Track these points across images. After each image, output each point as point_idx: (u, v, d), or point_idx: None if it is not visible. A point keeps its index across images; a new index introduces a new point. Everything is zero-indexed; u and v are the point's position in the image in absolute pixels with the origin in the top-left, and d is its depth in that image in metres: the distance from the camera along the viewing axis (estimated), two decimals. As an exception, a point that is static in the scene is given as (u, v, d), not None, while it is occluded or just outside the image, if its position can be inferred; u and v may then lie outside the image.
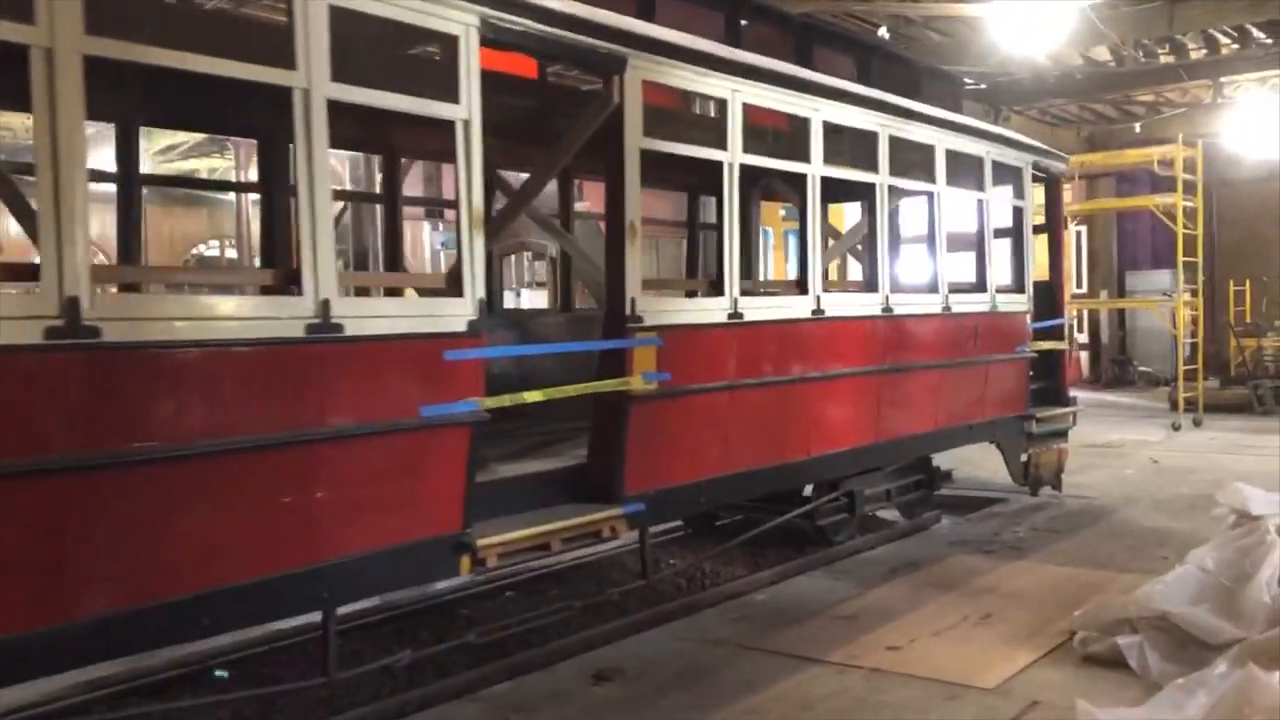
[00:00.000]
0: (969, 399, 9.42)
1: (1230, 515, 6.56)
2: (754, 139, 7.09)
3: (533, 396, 5.45)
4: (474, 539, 5.12)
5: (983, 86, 19.35)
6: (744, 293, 6.92)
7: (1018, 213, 10.42)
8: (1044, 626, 6.69)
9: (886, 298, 8.18)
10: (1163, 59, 19.69)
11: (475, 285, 5.07)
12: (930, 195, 8.86)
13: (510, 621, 6.29)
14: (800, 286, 7.46)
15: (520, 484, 5.78)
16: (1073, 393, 11.75)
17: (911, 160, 8.84)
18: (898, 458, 8.98)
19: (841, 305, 7.82)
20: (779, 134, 7.59)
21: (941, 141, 8.81)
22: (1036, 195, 11.14)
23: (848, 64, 9.08)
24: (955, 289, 9.24)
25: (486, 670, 6.13)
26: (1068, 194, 25.15)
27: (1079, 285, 27.31)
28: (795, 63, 7.89)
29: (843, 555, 8.89)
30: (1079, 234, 27.37)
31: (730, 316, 6.69)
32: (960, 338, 9.15)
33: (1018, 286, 10.41)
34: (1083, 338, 27.21)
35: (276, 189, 6.77)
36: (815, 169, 7.39)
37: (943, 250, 8.95)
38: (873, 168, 8.09)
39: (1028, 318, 10.35)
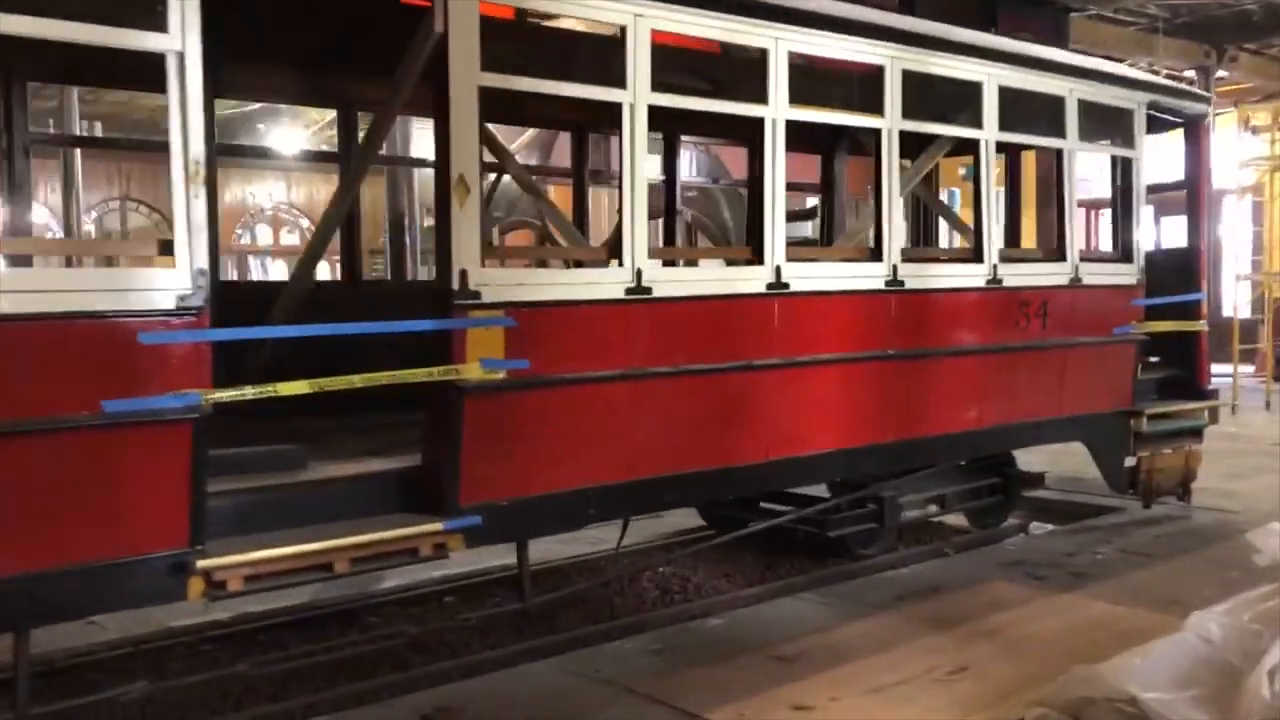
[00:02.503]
0: (1036, 390, 7.77)
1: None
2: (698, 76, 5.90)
3: (292, 388, 4.52)
4: (196, 560, 4.26)
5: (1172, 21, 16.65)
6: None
7: (1125, 165, 8.56)
8: (1021, 690, 5.20)
9: (894, 269, 6.72)
10: None
11: (193, 252, 4.19)
12: (977, 144, 7.27)
13: (333, 645, 5.46)
14: (755, 255, 6.16)
15: (316, 490, 4.87)
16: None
17: (951, 101, 7.30)
18: (924, 461, 7.48)
19: (819, 278, 6.43)
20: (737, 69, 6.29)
21: (992, 76, 7.19)
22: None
23: (888, -9, 7.58)
24: (1010, 258, 7.62)
25: (316, 698, 5.32)
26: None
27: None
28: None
29: (862, 572, 7.53)
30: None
31: (631, 291, 5.52)
32: (1017, 317, 7.52)
33: (1123, 254, 8.57)
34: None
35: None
36: (776, 111, 6.07)
37: (992, 211, 7.35)
38: (876, 110, 6.64)
39: (1137, 293, 8.50)
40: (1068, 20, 9.02)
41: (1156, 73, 18.76)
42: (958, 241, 10.97)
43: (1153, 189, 9.93)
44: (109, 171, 26.63)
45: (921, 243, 10.42)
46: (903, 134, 6.84)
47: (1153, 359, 9.40)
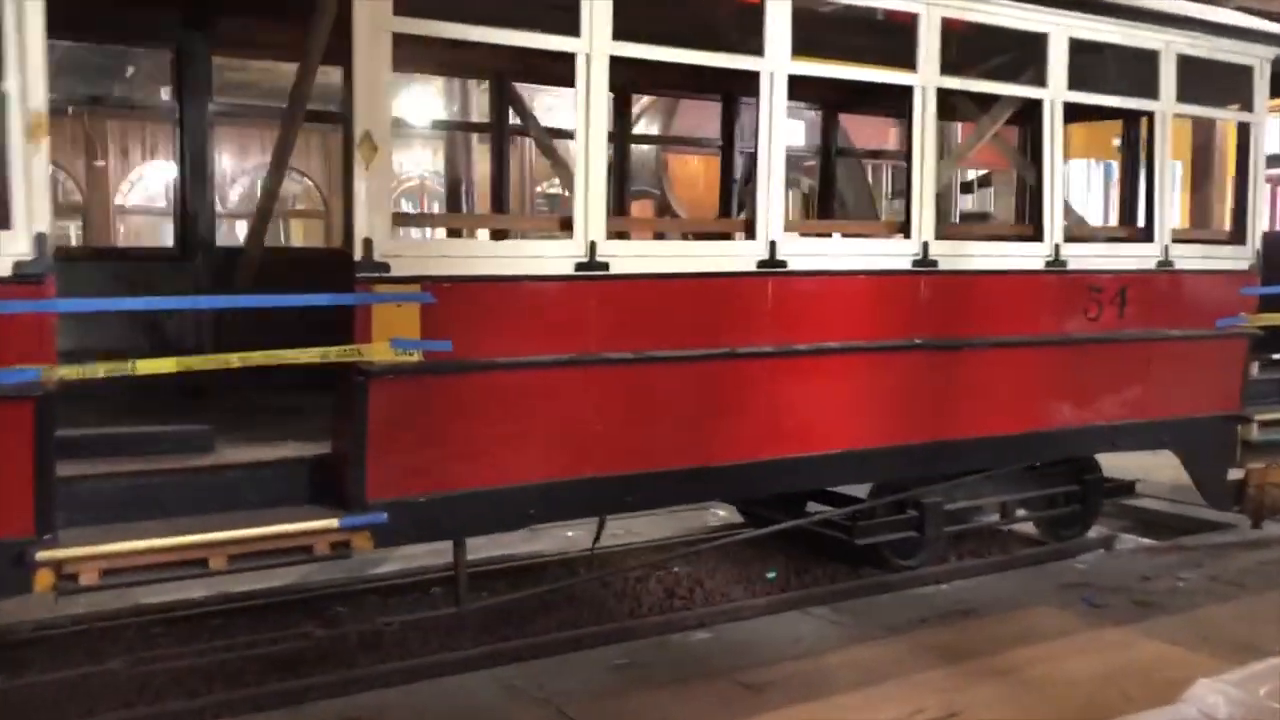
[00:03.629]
0: (1111, 389, 6.76)
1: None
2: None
3: (154, 366, 4.11)
4: (38, 550, 3.91)
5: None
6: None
7: (1243, 132, 7.38)
8: (1005, 751, 4.42)
9: (925, 246, 5.88)
10: None
11: (33, 215, 3.81)
12: (1041, 105, 6.31)
13: (278, 637, 5.10)
14: (748, 230, 5.44)
15: (207, 476, 4.47)
16: None
17: (1008, 55, 6.40)
18: (962, 466, 6.57)
19: (827, 256, 5.66)
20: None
21: (1061, 26, 6.21)
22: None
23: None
24: (1080, 236, 6.63)
25: (231, 696, 4.95)
26: None
27: None
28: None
29: (893, 587, 6.72)
30: None
31: (582, 266, 4.90)
32: (1086, 304, 6.53)
33: (1236, 235, 7.41)
34: None
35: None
36: (775, 65, 5.32)
37: (1055, 181, 6.38)
38: (909, 64, 5.79)
39: (1251, 279, 7.34)
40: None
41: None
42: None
43: (1286, 160, 8.70)
44: (262, 138, 27.22)
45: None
46: (955, 93, 6.02)
47: (1276, 356, 8.21)
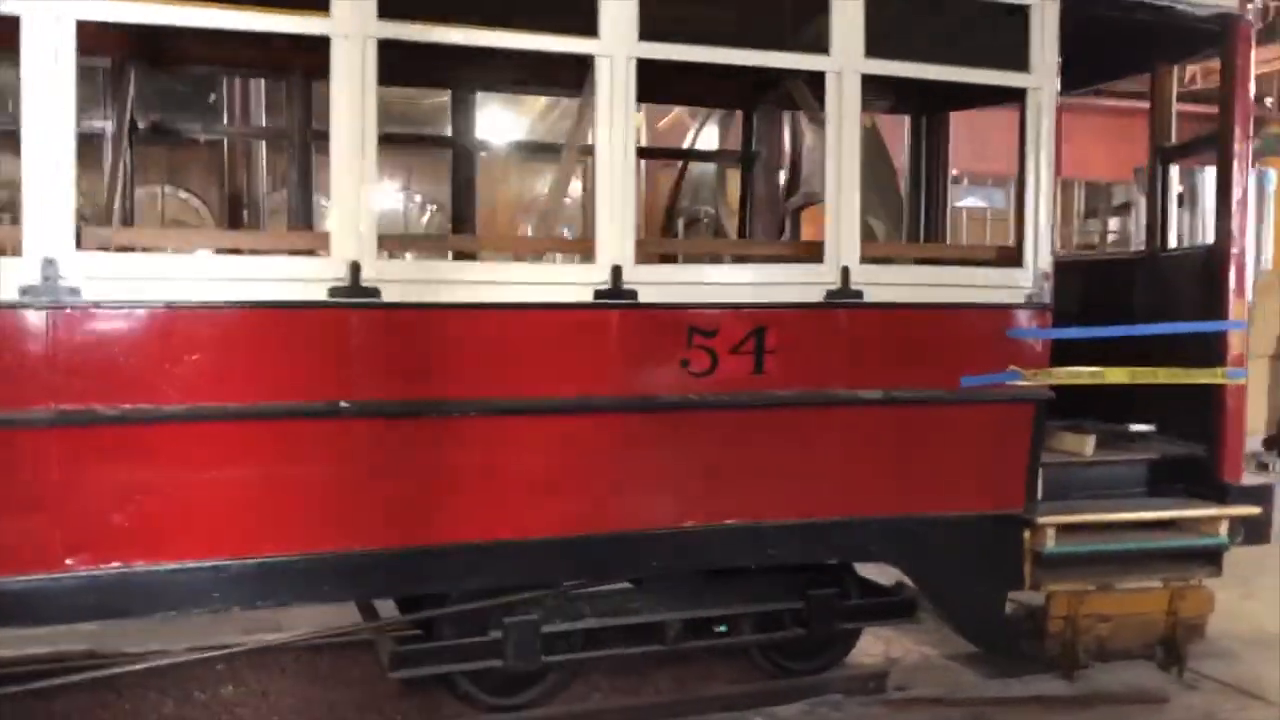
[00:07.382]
0: (749, 477, 4.65)
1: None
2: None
3: None
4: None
5: None
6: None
7: (1020, 102, 5.05)
8: None
9: (355, 269, 4.03)
10: None
11: None
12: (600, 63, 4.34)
13: None
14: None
15: None
16: None
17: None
18: (470, 582, 4.51)
19: (158, 281, 3.90)
20: None
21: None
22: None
23: None
24: (655, 256, 4.55)
25: None
26: None
27: None
28: None
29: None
30: None
31: None
32: (684, 353, 4.47)
33: (1009, 253, 5.11)
34: None
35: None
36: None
37: (618, 177, 4.35)
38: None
39: (1037, 318, 5.00)
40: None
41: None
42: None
43: (1179, 149, 6.27)
44: (393, 165, 27.17)
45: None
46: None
47: (1139, 427, 5.76)
